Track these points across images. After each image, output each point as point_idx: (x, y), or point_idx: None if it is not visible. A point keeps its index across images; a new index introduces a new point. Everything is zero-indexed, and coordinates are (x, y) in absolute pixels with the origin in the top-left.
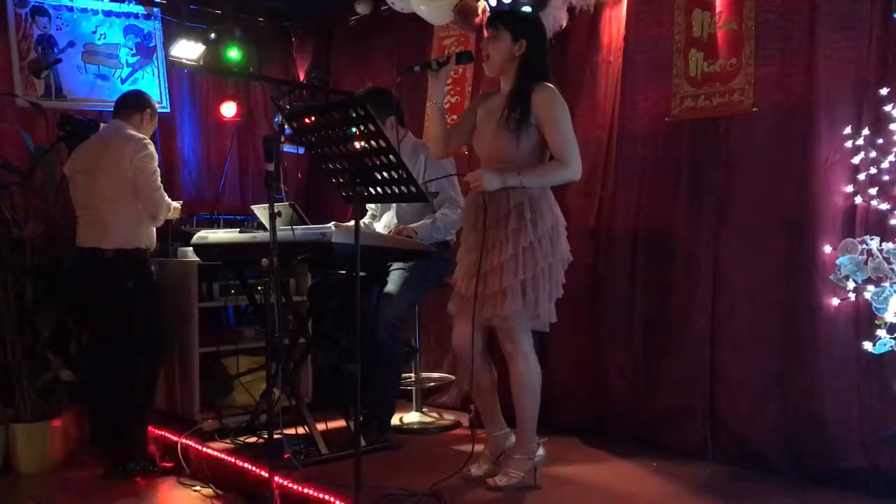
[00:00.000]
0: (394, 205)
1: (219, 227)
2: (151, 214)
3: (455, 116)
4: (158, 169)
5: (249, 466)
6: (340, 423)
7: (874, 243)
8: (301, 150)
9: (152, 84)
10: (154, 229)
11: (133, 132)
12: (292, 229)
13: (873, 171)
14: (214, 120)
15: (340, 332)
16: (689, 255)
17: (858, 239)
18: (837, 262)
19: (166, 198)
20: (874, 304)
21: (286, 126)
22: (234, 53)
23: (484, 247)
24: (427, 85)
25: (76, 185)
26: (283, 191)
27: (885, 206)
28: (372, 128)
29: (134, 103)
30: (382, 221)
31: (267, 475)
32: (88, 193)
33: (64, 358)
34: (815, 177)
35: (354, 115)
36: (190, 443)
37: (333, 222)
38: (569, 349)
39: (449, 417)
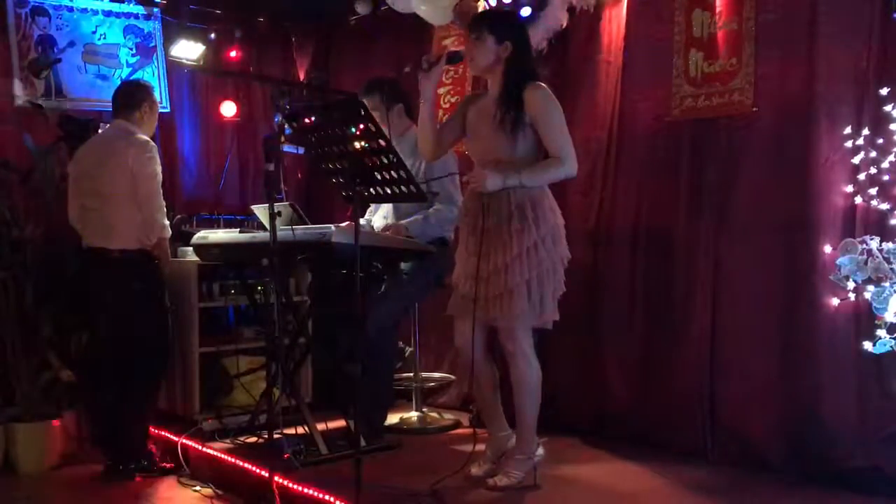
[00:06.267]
0: None
1: (219, 227)
2: (146, 219)
3: None
4: (160, 174)
5: (249, 466)
6: (340, 422)
7: (874, 243)
8: (301, 150)
9: (152, 84)
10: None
11: (136, 134)
12: (292, 229)
13: (873, 171)
14: (214, 120)
15: (340, 332)
16: (689, 255)
17: (858, 239)
18: (837, 262)
19: (163, 209)
20: (874, 304)
21: (286, 126)
22: (234, 53)
23: (485, 249)
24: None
25: (80, 187)
26: (283, 191)
27: (885, 206)
28: (372, 127)
29: (131, 100)
30: (380, 212)
31: (267, 475)
32: (93, 195)
33: (64, 358)
34: (815, 177)
35: (354, 114)
36: (190, 443)
37: (346, 223)
38: (569, 349)
39: (449, 417)
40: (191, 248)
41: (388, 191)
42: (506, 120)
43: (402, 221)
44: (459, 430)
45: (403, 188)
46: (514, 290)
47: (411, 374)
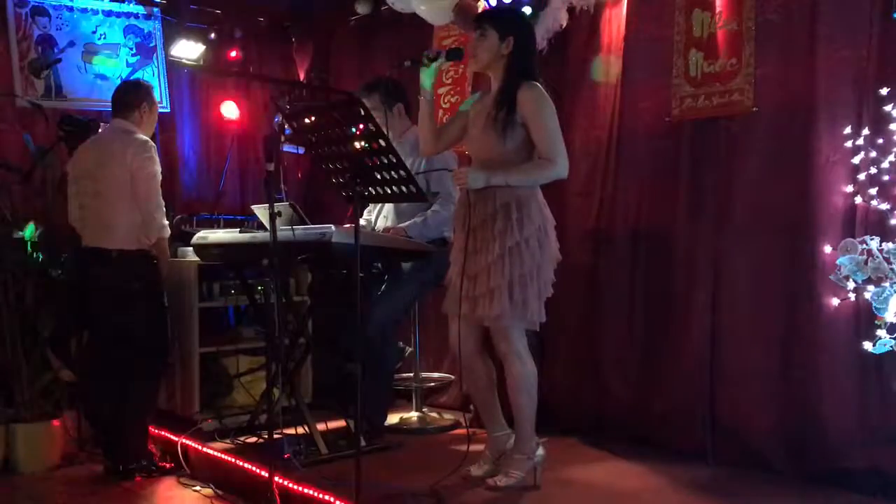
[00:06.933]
0: None
1: (219, 227)
2: (146, 219)
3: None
4: (160, 173)
5: (249, 466)
6: (340, 423)
7: (874, 243)
8: (301, 150)
9: (152, 84)
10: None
11: (136, 134)
12: (292, 229)
13: (873, 171)
14: (214, 120)
15: (340, 332)
16: (689, 255)
17: (858, 239)
18: (837, 262)
19: (162, 208)
20: (874, 304)
21: (286, 126)
22: (234, 53)
23: (471, 247)
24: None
25: (80, 186)
26: (283, 191)
27: (885, 206)
28: (372, 128)
29: (130, 100)
30: (381, 212)
31: (267, 475)
32: (92, 195)
33: (64, 358)
34: (815, 177)
35: (354, 114)
36: (190, 443)
37: (347, 225)
38: (568, 349)
39: (449, 417)
40: (191, 248)
41: (389, 191)
42: (497, 118)
43: (401, 224)
44: (459, 430)
45: (403, 188)
46: (495, 290)
47: (411, 374)
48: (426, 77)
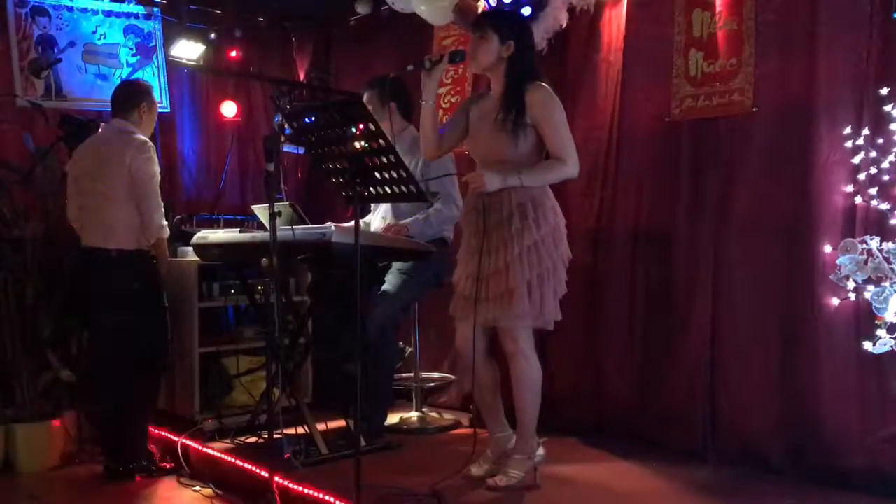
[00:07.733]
0: None
1: (219, 227)
2: (145, 220)
3: None
4: (158, 174)
5: (249, 466)
6: (340, 423)
7: (874, 243)
8: (301, 150)
9: (152, 84)
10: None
11: (135, 134)
12: (292, 229)
13: (873, 171)
14: (214, 120)
15: (340, 332)
16: (689, 256)
17: (858, 239)
18: (837, 262)
19: (161, 208)
20: (874, 304)
21: (286, 126)
22: (234, 53)
23: (486, 249)
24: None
25: (79, 186)
26: (283, 191)
27: (885, 206)
28: (372, 127)
29: (130, 100)
30: (379, 213)
31: (267, 475)
32: (92, 195)
33: (64, 358)
34: (815, 177)
35: (354, 114)
36: (190, 443)
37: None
38: (569, 349)
39: (449, 417)
40: (191, 248)
41: (389, 191)
42: (507, 120)
43: (403, 221)
44: (459, 430)
45: (403, 188)
46: (514, 289)
47: (411, 374)
48: (428, 81)
